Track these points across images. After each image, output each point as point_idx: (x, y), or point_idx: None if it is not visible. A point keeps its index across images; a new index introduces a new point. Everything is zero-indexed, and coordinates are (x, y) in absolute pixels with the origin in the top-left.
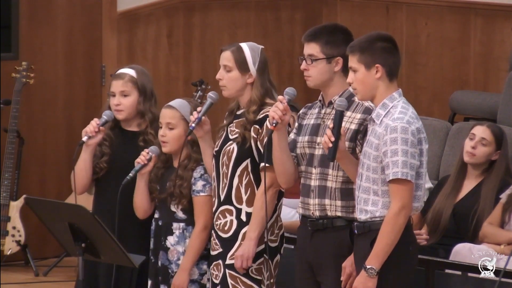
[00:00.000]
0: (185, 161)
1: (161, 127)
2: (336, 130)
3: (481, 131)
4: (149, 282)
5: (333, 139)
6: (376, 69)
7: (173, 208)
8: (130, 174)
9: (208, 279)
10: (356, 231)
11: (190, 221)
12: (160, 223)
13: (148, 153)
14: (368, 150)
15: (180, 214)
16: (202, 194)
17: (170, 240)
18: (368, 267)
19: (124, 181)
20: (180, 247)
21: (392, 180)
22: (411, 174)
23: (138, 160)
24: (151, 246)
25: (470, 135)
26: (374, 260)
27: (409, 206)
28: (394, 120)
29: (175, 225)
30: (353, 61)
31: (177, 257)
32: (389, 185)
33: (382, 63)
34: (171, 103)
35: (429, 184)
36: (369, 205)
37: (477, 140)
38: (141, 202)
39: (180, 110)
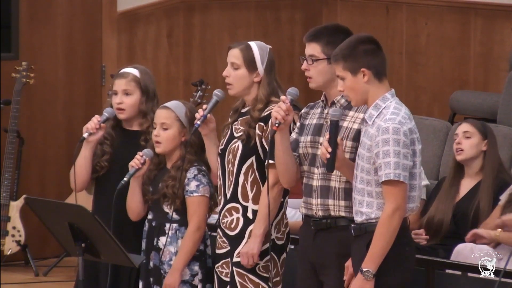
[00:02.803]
0: (178, 162)
1: (155, 128)
2: (333, 140)
3: (462, 127)
4: (141, 284)
5: (330, 149)
6: (362, 73)
7: (166, 209)
8: (125, 179)
9: (200, 280)
10: (353, 233)
11: (183, 222)
12: (153, 224)
13: (142, 156)
14: (362, 152)
15: (173, 215)
16: (195, 194)
17: (163, 240)
18: (364, 270)
19: (119, 185)
20: (172, 247)
21: (385, 181)
22: (404, 175)
23: (132, 163)
24: (143, 247)
25: (454, 136)
26: (370, 263)
27: (402, 207)
28: (386, 121)
29: (167, 225)
30: (338, 70)
31: (169, 257)
32: (382, 186)
33: (367, 66)
34: (166, 104)
35: (425, 181)
36: (363, 207)
37: (460, 136)
38: (135, 204)
39: (175, 111)
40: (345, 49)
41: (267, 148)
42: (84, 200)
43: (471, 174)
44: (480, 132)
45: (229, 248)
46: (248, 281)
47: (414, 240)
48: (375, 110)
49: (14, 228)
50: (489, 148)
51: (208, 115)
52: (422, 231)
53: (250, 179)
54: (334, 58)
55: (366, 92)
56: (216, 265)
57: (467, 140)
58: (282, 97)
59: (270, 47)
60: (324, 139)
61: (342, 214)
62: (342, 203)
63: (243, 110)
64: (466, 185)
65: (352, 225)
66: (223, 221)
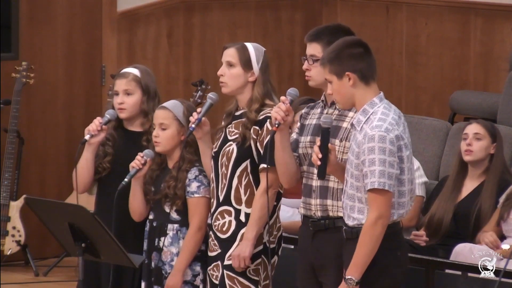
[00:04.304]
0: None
1: (154, 128)
2: (324, 147)
3: (472, 128)
4: (143, 284)
5: (320, 156)
6: (347, 77)
7: (167, 209)
8: (126, 179)
9: (201, 280)
10: (345, 236)
11: (184, 222)
12: (154, 224)
13: (142, 156)
14: (351, 157)
15: (174, 215)
16: (196, 195)
17: (164, 241)
18: (347, 277)
19: (119, 186)
20: (173, 248)
21: (370, 189)
22: (389, 184)
23: (132, 164)
24: (145, 247)
25: (464, 136)
26: (353, 270)
27: (386, 215)
28: (373, 128)
29: (169, 226)
30: (326, 74)
31: (171, 258)
32: (368, 194)
33: (351, 69)
34: (164, 104)
35: (424, 178)
36: (355, 213)
37: (471, 137)
38: (137, 205)
39: (173, 111)
40: (331, 52)
41: (261, 152)
42: (85, 200)
43: (474, 174)
44: (490, 134)
45: (220, 251)
46: (238, 284)
47: (414, 241)
48: (363, 115)
49: (14, 228)
50: (496, 151)
51: (203, 118)
52: (422, 232)
53: (244, 182)
54: (321, 61)
55: (353, 95)
56: (209, 268)
57: (477, 142)
58: (282, 97)
59: (265, 49)
60: (315, 145)
61: (341, 214)
62: (341, 203)
63: (237, 113)
64: (469, 185)
65: (344, 227)
66: (215, 224)
